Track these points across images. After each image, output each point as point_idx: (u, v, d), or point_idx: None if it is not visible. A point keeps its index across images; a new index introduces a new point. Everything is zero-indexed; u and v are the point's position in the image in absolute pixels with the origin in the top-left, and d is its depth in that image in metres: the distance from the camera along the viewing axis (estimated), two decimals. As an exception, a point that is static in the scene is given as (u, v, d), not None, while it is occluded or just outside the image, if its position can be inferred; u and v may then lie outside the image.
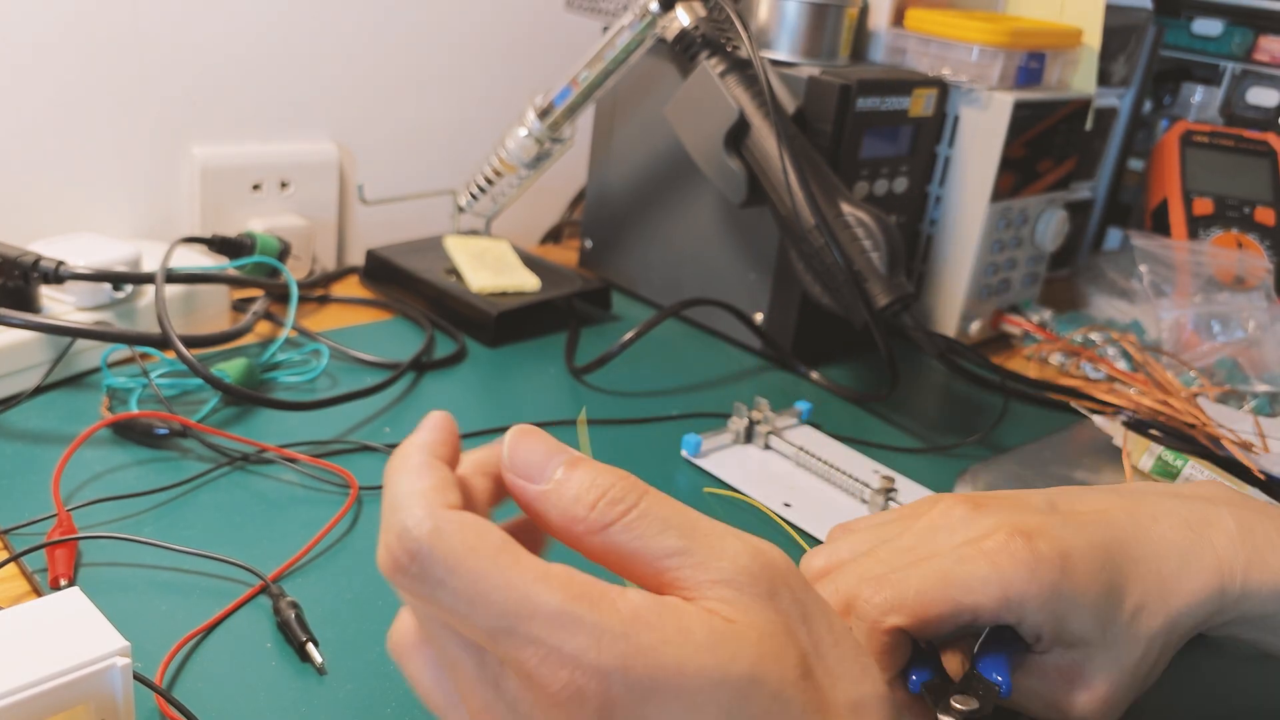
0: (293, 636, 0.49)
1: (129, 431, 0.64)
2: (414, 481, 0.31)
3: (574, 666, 0.28)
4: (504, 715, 0.30)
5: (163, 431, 0.64)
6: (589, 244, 1.02)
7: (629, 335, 0.80)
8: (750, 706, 0.29)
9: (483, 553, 0.29)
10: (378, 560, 0.30)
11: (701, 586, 0.31)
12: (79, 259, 0.69)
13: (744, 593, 0.31)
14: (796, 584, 0.33)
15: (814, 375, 0.84)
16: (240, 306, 0.83)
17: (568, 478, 0.32)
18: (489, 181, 0.92)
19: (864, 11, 0.92)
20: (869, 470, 0.70)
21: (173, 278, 0.73)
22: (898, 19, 0.92)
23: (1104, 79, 1.03)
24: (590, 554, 0.33)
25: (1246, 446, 0.74)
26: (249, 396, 0.68)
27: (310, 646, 0.48)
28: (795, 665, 0.31)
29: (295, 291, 0.79)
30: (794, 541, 0.62)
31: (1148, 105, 1.16)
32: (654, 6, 0.78)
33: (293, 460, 0.63)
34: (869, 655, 0.34)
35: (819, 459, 0.69)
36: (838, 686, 0.32)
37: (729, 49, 0.78)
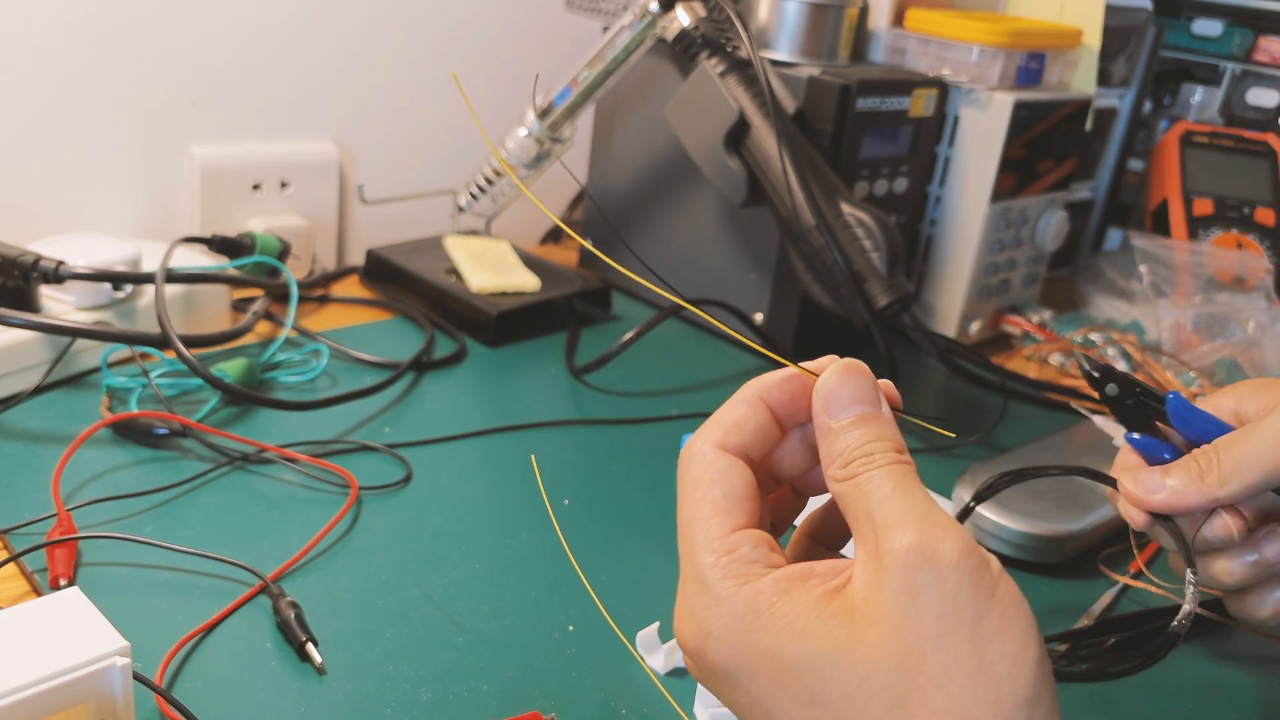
0: (292, 636, 0.49)
1: (129, 431, 0.64)
2: (726, 411, 0.39)
3: (693, 620, 0.35)
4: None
5: (162, 431, 0.64)
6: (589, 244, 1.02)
7: (629, 335, 0.80)
8: (828, 689, 0.32)
9: (701, 490, 0.37)
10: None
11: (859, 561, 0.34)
12: (79, 259, 0.69)
13: (883, 577, 0.32)
14: (955, 590, 0.32)
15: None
16: (240, 306, 0.83)
17: (850, 427, 0.36)
18: (489, 181, 0.92)
19: (864, 12, 0.92)
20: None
21: (172, 277, 0.73)
22: (898, 19, 0.92)
23: (1104, 79, 1.03)
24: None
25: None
26: (249, 396, 0.67)
27: (310, 646, 0.48)
28: (894, 654, 0.31)
29: (295, 291, 0.79)
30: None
31: (1148, 106, 1.16)
32: (654, 6, 0.78)
33: (293, 460, 0.63)
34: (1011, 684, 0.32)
35: (819, 459, 0.69)
36: (942, 692, 0.31)
37: (729, 49, 0.78)
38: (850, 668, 0.32)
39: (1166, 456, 0.48)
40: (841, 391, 0.37)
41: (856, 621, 0.32)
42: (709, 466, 0.37)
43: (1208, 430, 0.47)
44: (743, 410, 0.38)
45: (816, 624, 0.32)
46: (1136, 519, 0.49)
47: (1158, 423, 0.48)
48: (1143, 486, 0.47)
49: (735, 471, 0.37)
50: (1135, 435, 0.49)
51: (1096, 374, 0.48)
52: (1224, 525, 0.47)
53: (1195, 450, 0.47)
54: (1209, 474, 0.45)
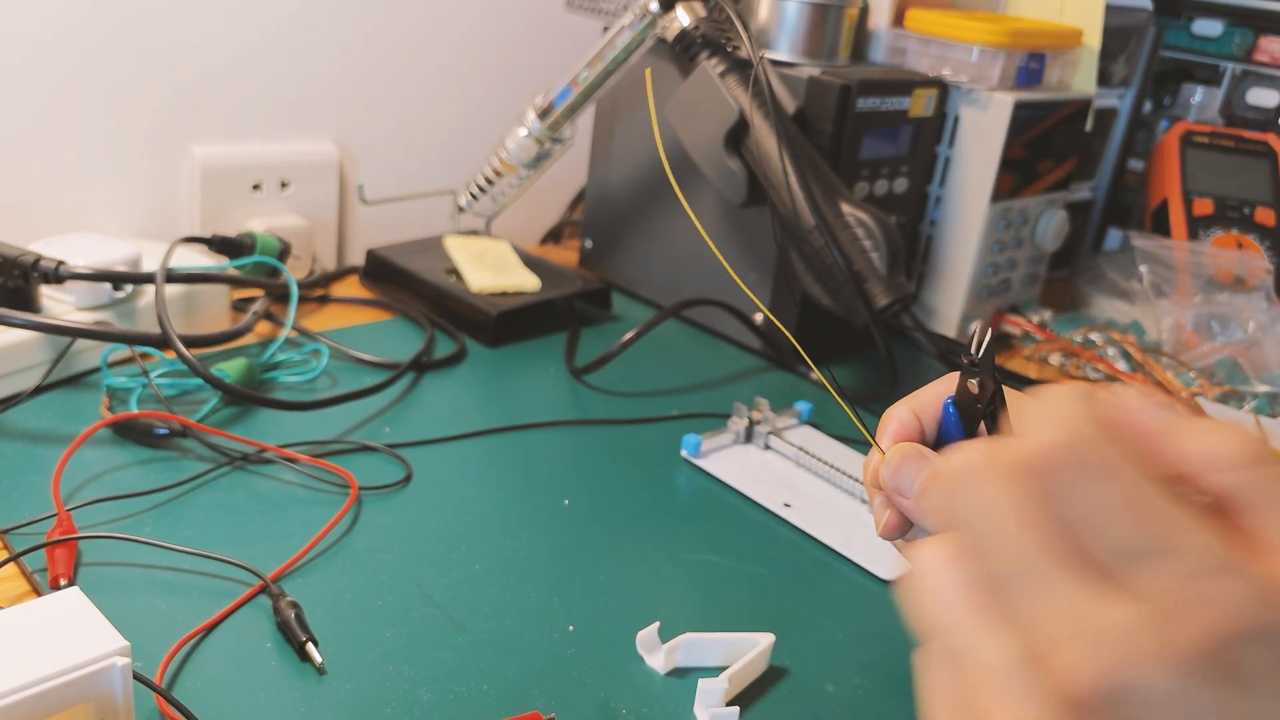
0: (292, 636, 0.49)
1: (129, 431, 0.64)
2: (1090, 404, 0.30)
3: (1224, 610, 0.25)
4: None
5: (162, 431, 0.64)
6: (589, 244, 1.02)
7: (629, 335, 0.80)
8: None
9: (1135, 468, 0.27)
10: (1029, 448, 0.28)
11: None
12: (79, 259, 0.69)
13: None
14: None
15: (814, 375, 0.84)
16: (240, 306, 0.83)
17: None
18: (489, 181, 0.92)
19: (864, 12, 0.92)
20: (869, 470, 0.70)
21: (173, 277, 0.73)
22: (898, 19, 0.92)
23: (1104, 79, 1.03)
24: None
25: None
26: (249, 396, 0.67)
27: (310, 646, 0.48)
28: None
29: (295, 291, 0.79)
30: (792, 542, 0.62)
31: (1148, 106, 1.16)
32: (654, 6, 0.78)
33: (293, 460, 0.63)
34: None
35: (819, 459, 0.69)
36: None
37: (729, 49, 0.78)
38: None
39: (955, 430, 0.45)
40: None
41: None
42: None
43: None
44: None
45: None
46: (871, 495, 0.47)
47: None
48: (905, 476, 0.44)
49: None
50: (952, 405, 0.45)
51: (970, 363, 0.45)
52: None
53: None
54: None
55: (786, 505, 0.66)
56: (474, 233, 0.97)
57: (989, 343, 0.44)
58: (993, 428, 0.46)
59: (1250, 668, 0.26)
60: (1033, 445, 0.28)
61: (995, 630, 0.28)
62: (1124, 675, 0.25)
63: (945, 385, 0.46)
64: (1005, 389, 0.45)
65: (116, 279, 0.71)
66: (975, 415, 0.46)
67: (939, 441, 0.48)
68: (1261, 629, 0.25)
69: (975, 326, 0.47)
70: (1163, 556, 0.26)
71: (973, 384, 0.45)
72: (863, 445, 0.74)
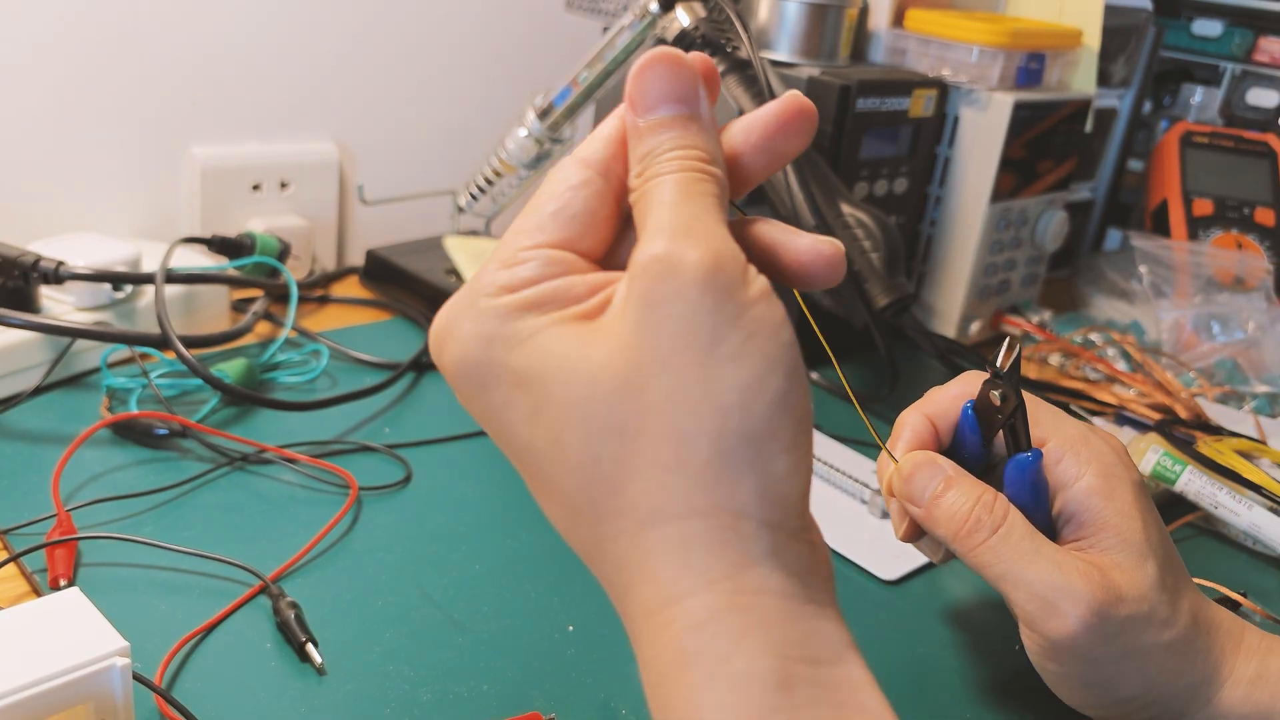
0: (292, 637, 0.49)
1: (129, 432, 0.64)
2: (608, 124, 0.33)
3: (444, 318, 0.32)
4: None
5: (162, 432, 0.64)
6: (589, 244, 1.02)
7: (629, 335, 0.80)
8: (552, 405, 0.30)
9: (536, 201, 0.32)
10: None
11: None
12: (79, 259, 0.69)
13: (628, 289, 0.30)
14: (694, 308, 0.29)
15: (814, 375, 0.84)
16: (240, 307, 0.83)
17: (657, 128, 0.32)
18: (489, 182, 0.92)
19: (864, 12, 0.92)
20: (869, 470, 0.70)
21: (172, 278, 0.73)
22: (898, 19, 0.92)
23: (1104, 80, 1.03)
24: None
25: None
26: (249, 397, 0.67)
27: (310, 647, 0.48)
28: (619, 373, 0.29)
29: (295, 292, 0.79)
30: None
31: (1147, 106, 1.16)
32: (654, 7, 0.78)
33: (292, 461, 0.63)
34: None
35: (819, 459, 0.69)
36: (663, 419, 0.29)
37: (729, 49, 0.78)
38: (573, 383, 0.29)
39: (971, 435, 0.46)
40: (654, 86, 0.32)
41: (593, 336, 0.29)
42: (558, 180, 0.32)
43: (1023, 503, 0.45)
44: (614, 124, 0.33)
45: (554, 336, 0.29)
46: (888, 500, 0.49)
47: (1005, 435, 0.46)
48: (917, 485, 0.46)
49: (584, 191, 0.32)
50: (972, 410, 0.47)
51: (995, 374, 0.46)
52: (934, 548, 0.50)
53: (991, 496, 0.45)
54: (977, 534, 0.44)
55: (786, 505, 0.65)
56: (474, 233, 0.97)
57: (1016, 358, 0.44)
58: (1012, 440, 0.46)
59: (444, 373, 0.33)
60: None
61: None
62: None
63: (960, 387, 0.46)
64: (1027, 396, 0.45)
65: (116, 279, 0.71)
66: (994, 424, 0.46)
67: (954, 444, 0.48)
68: (443, 337, 0.32)
69: (1005, 340, 0.47)
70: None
71: (995, 395, 0.45)
72: (863, 445, 0.74)
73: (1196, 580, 0.61)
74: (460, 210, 0.96)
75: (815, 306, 0.79)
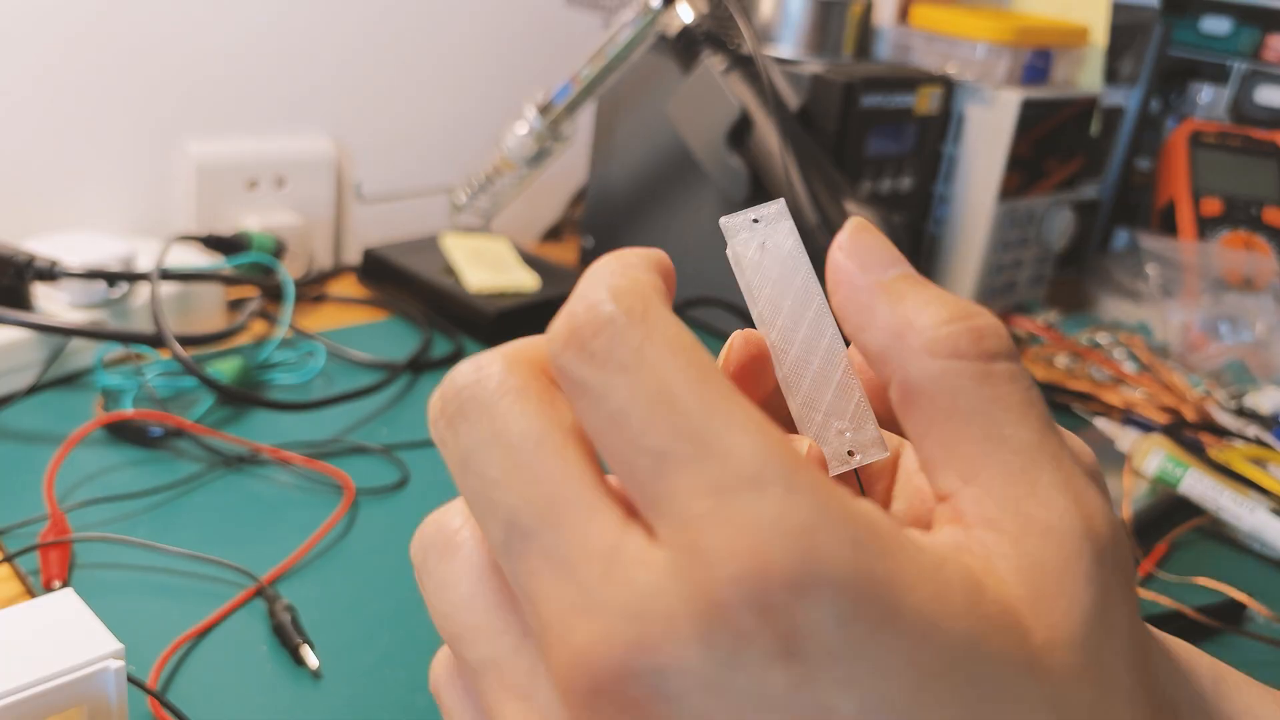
0: (288, 639, 0.48)
1: (123, 432, 0.63)
2: (629, 270, 0.22)
3: (765, 534, 0.17)
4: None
5: (157, 432, 0.63)
6: (589, 242, 1.01)
7: (630, 335, 0.79)
8: None
9: (690, 358, 0.20)
10: (550, 331, 0.22)
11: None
12: (73, 257, 0.69)
13: (1038, 555, 0.20)
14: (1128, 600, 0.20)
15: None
16: (236, 305, 0.82)
17: (915, 287, 0.22)
18: (488, 179, 0.92)
19: (868, 8, 0.91)
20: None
21: (168, 276, 0.72)
22: (903, 15, 0.91)
23: (1111, 77, 1.03)
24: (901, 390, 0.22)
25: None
26: (244, 397, 0.67)
27: (305, 649, 0.48)
28: (1085, 704, 0.19)
29: (291, 290, 0.78)
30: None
31: (1155, 104, 1.15)
32: (656, 2, 0.78)
33: (288, 461, 0.63)
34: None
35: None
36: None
37: (731, 46, 0.77)
38: (1043, 709, 0.18)
39: None
40: (873, 247, 0.23)
41: (1031, 626, 0.18)
42: (683, 331, 0.21)
43: None
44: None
45: (973, 600, 0.18)
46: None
47: None
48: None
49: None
50: None
51: None
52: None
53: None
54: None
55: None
56: (473, 231, 0.96)
57: None
58: None
59: (808, 633, 0.17)
60: (553, 330, 0.22)
61: (493, 618, 0.22)
62: (639, 656, 0.17)
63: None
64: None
65: (111, 277, 0.70)
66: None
67: None
68: (809, 574, 0.17)
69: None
70: (688, 465, 0.18)
71: None
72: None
73: (1199, 580, 0.60)
74: (459, 208, 0.95)
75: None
